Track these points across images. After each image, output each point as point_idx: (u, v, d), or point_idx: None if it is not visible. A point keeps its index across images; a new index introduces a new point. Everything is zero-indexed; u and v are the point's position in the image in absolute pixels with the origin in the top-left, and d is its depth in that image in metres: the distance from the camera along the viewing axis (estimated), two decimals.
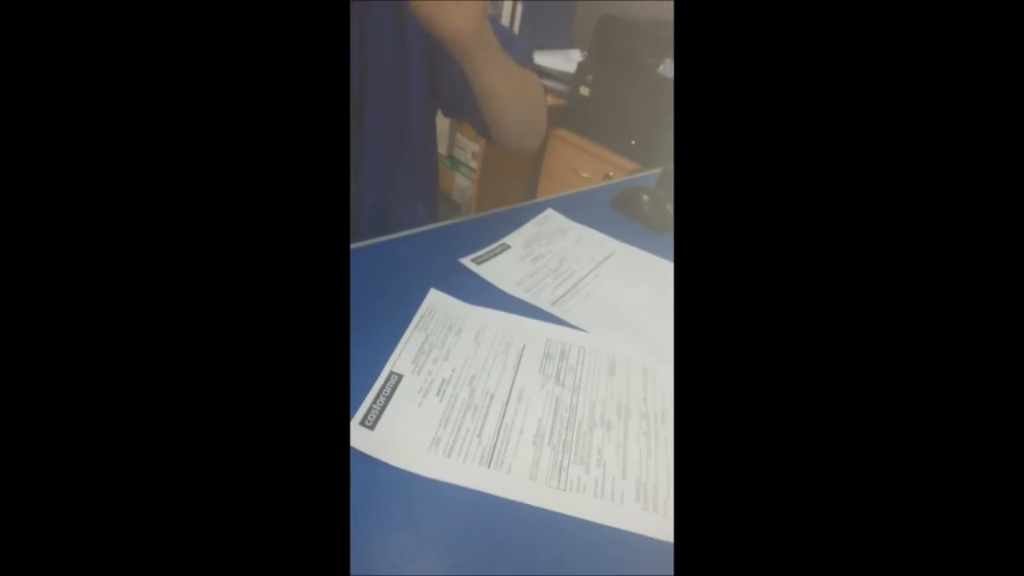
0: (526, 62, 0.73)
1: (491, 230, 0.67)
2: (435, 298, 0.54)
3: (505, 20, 1.82)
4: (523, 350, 0.50)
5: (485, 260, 0.62)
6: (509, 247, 0.65)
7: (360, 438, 0.39)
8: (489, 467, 0.39)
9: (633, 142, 1.59)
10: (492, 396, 0.45)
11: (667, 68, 1.49)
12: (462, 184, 1.99)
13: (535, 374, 0.48)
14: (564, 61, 1.81)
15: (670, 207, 0.77)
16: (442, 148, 2.01)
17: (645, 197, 0.78)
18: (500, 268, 0.61)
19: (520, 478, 0.39)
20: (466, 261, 0.60)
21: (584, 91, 1.67)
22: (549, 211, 0.74)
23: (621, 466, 0.41)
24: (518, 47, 0.71)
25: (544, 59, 1.77)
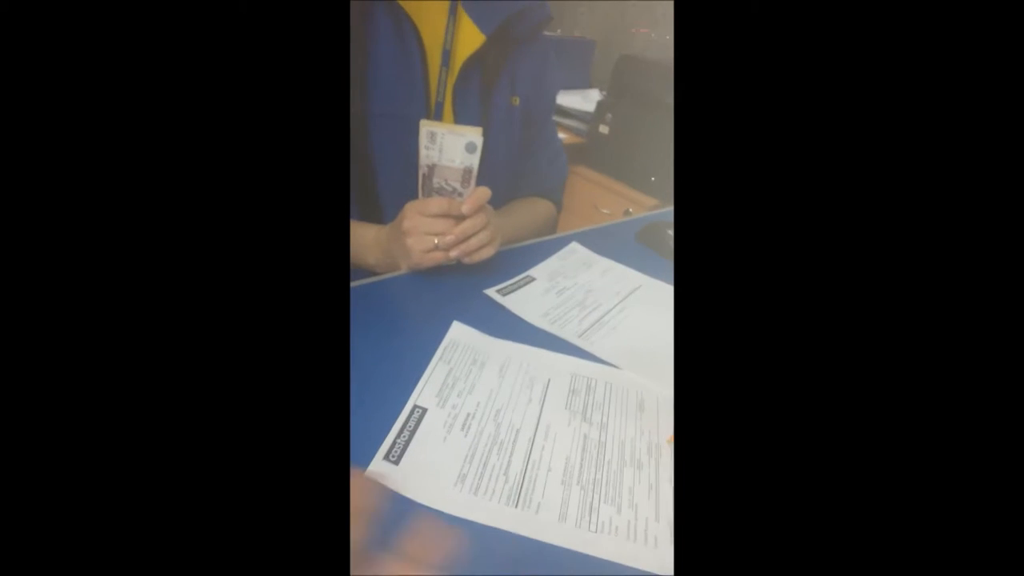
0: (552, 194, 0.86)
1: (515, 263, 0.67)
2: (458, 331, 0.53)
3: None
4: (548, 384, 0.49)
5: (510, 292, 0.61)
6: (534, 279, 0.64)
7: (385, 473, 0.38)
8: (517, 507, 0.38)
9: (653, 178, 1.60)
10: (518, 431, 0.44)
11: None
12: None
13: (561, 410, 0.46)
14: (583, 100, 1.84)
15: None
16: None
17: (670, 232, 0.77)
18: (525, 300, 0.60)
19: (549, 519, 0.37)
20: (491, 292, 0.60)
21: (603, 129, 1.69)
22: (574, 244, 0.74)
23: (654, 507, 0.39)
24: (548, 181, 0.85)
25: (564, 99, 1.80)
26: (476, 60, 0.67)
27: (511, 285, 0.62)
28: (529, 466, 0.41)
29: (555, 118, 0.95)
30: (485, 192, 0.58)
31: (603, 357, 0.54)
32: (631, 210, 1.62)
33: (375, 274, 0.63)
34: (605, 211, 1.70)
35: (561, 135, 1.67)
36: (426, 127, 0.59)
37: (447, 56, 0.66)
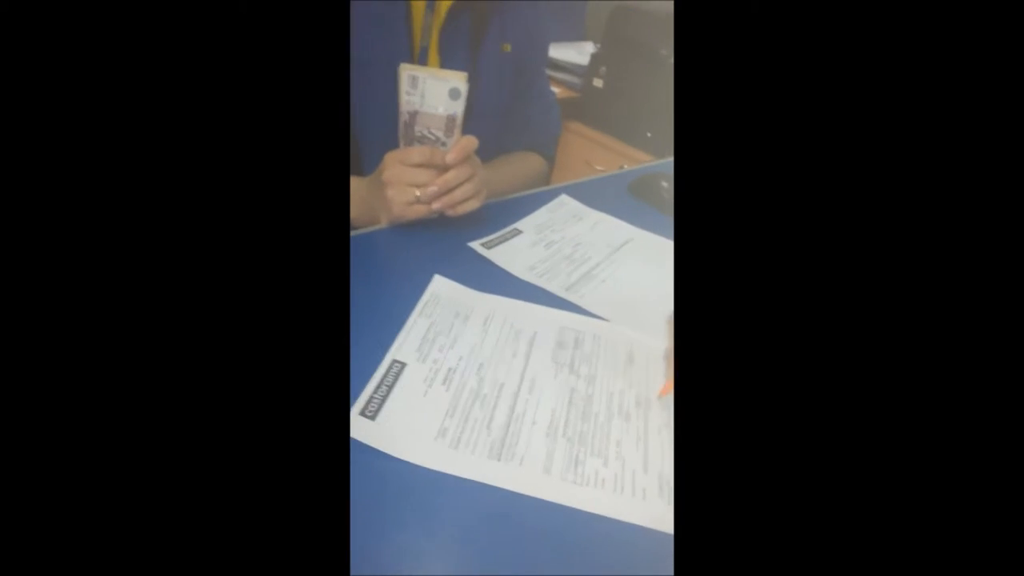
0: (544, 149, 0.83)
1: (501, 215, 0.64)
2: (440, 284, 0.51)
3: None
4: (534, 337, 0.47)
5: (496, 245, 0.59)
6: (521, 232, 0.62)
7: (360, 428, 0.36)
8: (499, 460, 0.36)
9: (649, 134, 1.55)
10: (502, 386, 0.42)
11: None
12: None
13: (548, 363, 0.45)
14: (577, 53, 1.78)
15: None
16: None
17: (664, 183, 0.75)
18: (511, 253, 0.58)
19: (533, 471, 0.36)
20: (475, 245, 0.58)
21: (598, 83, 1.63)
22: (563, 197, 0.71)
23: (642, 459, 0.38)
24: (540, 135, 0.81)
25: (557, 51, 1.74)
26: (464, 3, 0.64)
27: (497, 238, 0.60)
28: (513, 419, 0.39)
29: (547, 71, 0.91)
30: (471, 141, 0.55)
31: (592, 310, 0.52)
32: (625, 166, 1.58)
33: (354, 228, 0.60)
34: (599, 168, 1.66)
35: (554, 89, 1.63)
36: (407, 71, 0.56)
37: None
